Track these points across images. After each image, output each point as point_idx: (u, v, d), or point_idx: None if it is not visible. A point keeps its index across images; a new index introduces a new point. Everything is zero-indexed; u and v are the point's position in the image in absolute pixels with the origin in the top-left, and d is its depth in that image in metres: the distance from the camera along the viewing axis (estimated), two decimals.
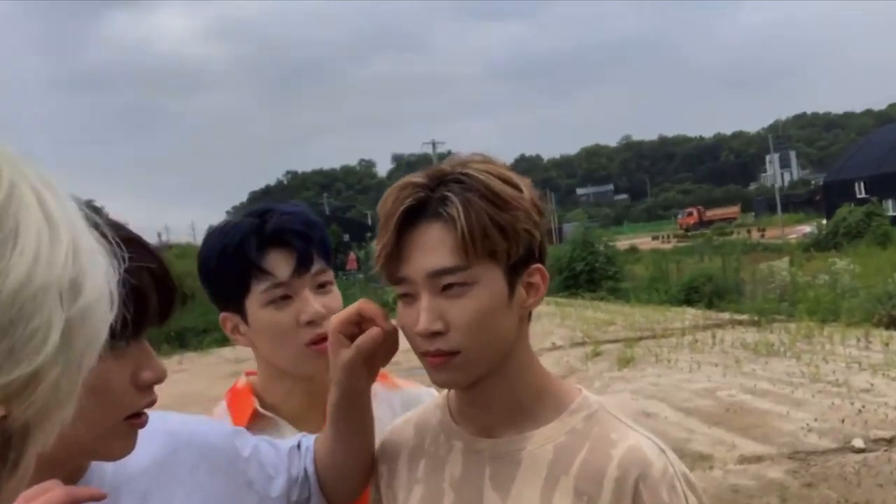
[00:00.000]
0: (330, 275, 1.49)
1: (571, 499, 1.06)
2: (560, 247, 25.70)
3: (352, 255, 33.63)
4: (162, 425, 1.16)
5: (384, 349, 1.16)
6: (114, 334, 0.82)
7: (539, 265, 1.11)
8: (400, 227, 1.07)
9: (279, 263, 1.41)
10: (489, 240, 1.04)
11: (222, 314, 1.48)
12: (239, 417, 1.47)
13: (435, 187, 1.07)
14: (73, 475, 1.02)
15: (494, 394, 1.13)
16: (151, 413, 1.11)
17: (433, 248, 1.06)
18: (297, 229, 1.43)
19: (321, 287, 1.47)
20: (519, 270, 1.08)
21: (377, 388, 1.49)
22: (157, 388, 1.04)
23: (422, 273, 1.06)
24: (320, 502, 1.28)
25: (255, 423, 1.47)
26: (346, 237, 42.48)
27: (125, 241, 0.84)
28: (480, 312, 1.06)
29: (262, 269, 1.40)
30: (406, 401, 1.53)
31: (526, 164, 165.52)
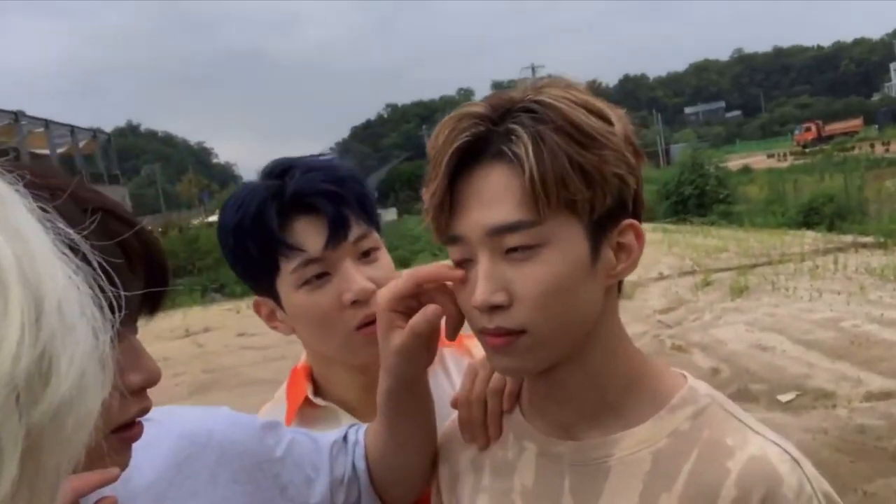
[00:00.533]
0: (375, 239, 1.21)
1: None
2: (667, 170, 24.86)
3: None
4: (173, 425, 0.99)
5: (449, 322, 0.94)
6: None
7: (633, 221, 0.88)
8: (453, 170, 0.85)
9: (308, 234, 1.15)
10: (567, 187, 0.81)
11: (255, 299, 1.25)
12: (293, 404, 1.29)
13: (499, 119, 0.84)
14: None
15: (573, 384, 0.91)
16: (160, 409, 0.95)
17: (495, 197, 0.84)
18: (325, 189, 1.15)
19: (365, 255, 1.20)
20: (606, 227, 0.86)
21: (446, 354, 1.29)
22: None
23: (480, 230, 0.84)
24: (373, 503, 1.11)
25: (308, 412, 1.27)
26: None
27: (103, 214, 0.72)
28: (554, 281, 0.83)
29: (288, 243, 1.14)
30: None
31: (631, 85, 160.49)
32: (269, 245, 1.15)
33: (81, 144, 35.38)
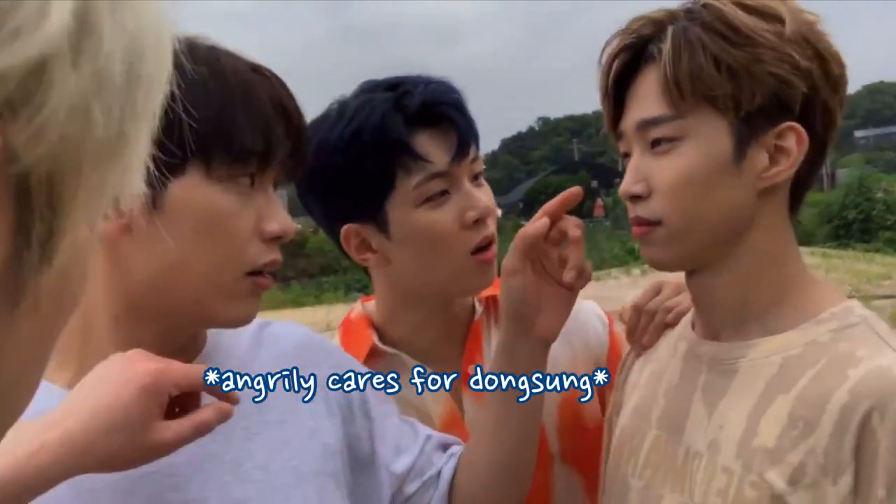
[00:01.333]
0: (481, 163, 1.16)
1: (782, 425, 0.82)
2: (831, 193, 23.46)
3: (599, 202, 33.04)
4: (293, 334, 0.99)
5: (571, 265, 0.95)
6: (237, 161, 0.79)
7: (794, 124, 0.86)
8: (618, 71, 0.92)
9: (434, 147, 1.08)
10: (702, 81, 0.84)
11: (346, 227, 1.14)
12: (355, 355, 1.17)
13: (668, 22, 0.89)
14: (184, 350, 0.87)
15: (719, 289, 0.91)
16: (283, 322, 1.00)
17: (645, 95, 0.90)
18: (454, 100, 1.11)
19: (475, 179, 1.14)
20: (757, 126, 0.85)
21: None
22: None
23: (632, 125, 0.91)
24: None
25: (374, 360, 1.18)
26: (595, 183, 41.85)
27: (251, 68, 0.82)
28: (688, 174, 0.86)
29: (418, 154, 1.08)
30: None
31: None
32: (392, 158, 1.08)
33: None
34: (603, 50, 0.93)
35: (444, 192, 1.10)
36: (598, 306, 1.28)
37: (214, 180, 0.79)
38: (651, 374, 1.03)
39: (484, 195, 1.13)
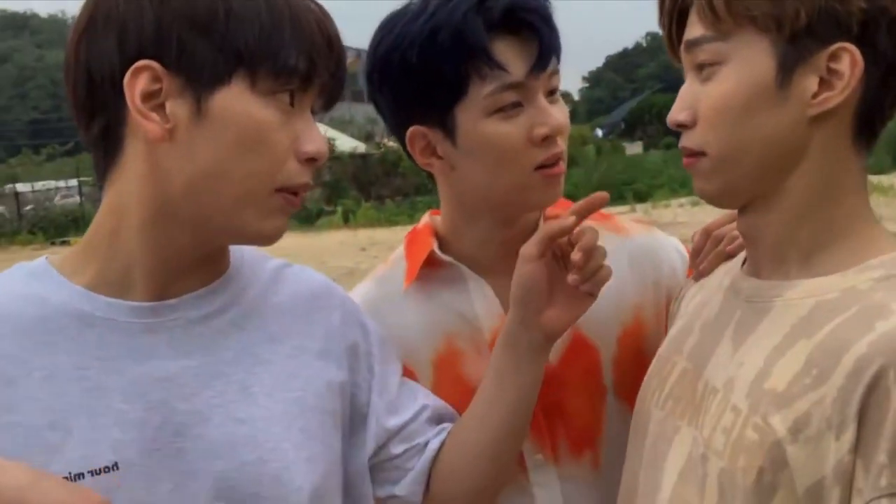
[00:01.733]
0: (559, 79, 1.10)
1: (797, 369, 0.78)
2: None
3: None
4: (309, 279, 1.02)
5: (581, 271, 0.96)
6: (281, 76, 0.82)
7: (847, 44, 0.79)
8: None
9: (513, 56, 1.04)
10: (738, 0, 0.80)
11: (412, 129, 1.11)
12: (414, 262, 1.19)
13: None
14: (210, 264, 0.91)
15: (763, 225, 0.87)
16: (306, 267, 1.03)
17: (692, 14, 0.86)
18: (540, 6, 1.06)
19: (551, 94, 1.09)
20: (805, 47, 0.80)
21: (603, 233, 1.11)
22: None
23: (683, 47, 0.87)
24: (415, 493, 1.04)
25: (432, 269, 1.17)
26: None
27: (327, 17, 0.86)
28: (727, 101, 0.83)
29: (496, 61, 1.03)
30: (636, 252, 1.19)
31: None
32: (467, 62, 1.03)
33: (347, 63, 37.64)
34: None
35: (517, 105, 1.06)
36: (680, 243, 1.25)
37: (258, 93, 0.82)
38: (696, 306, 1.02)
39: (558, 112, 1.08)
